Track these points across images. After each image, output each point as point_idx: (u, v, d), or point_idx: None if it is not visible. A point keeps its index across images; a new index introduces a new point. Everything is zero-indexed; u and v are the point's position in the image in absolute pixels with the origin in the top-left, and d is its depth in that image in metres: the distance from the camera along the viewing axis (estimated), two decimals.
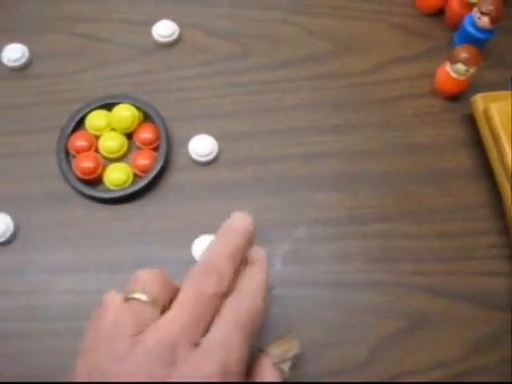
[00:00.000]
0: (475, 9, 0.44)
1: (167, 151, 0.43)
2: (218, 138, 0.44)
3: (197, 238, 0.41)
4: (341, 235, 0.42)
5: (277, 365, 0.36)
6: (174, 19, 0.48)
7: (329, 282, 0.41)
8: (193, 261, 0.41)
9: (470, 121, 0.45)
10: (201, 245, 0.41)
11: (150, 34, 0.48)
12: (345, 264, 0.41)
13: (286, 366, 0.37)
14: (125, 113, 0.44)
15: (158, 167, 0.43)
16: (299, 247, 0.41)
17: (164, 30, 0.47)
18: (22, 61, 0.47)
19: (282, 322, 0.39)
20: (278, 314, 0.39)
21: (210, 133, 0.44)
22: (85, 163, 0.43)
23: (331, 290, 0.40)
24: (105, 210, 0.43)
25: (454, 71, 0.44)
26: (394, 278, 0.41)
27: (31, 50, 0.48)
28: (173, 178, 0.43)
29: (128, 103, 0.44)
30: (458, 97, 0.46)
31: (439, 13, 0.49)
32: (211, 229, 0.41)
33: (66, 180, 0.43)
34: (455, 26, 0.47)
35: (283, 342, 0.38)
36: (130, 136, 0.44)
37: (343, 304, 0.40)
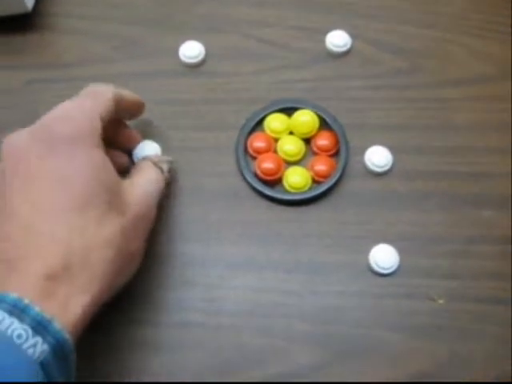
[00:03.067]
0: None
1: (346, 159, 0.45)
2: (390, 150, 0.46)
3: (374, 245, 0.43)
4: (502, 254, 0.43)
5: (156, 164, 0.41)
6: (344, 29, 0.50)
7: (488, 297, 0.42)
8: (368, 267, 0.42)
9: None
10: (378, 253, 0.42)
11: (322, 42, 0.49)
12: (503, 282, 0.42)
13: (164, 166, 0.41)
14: (306, 118, 0.45)
15: (338, 174, 0.44)
16: (461, 262, 0.43)
17: (338, 40, 0.49)
18: (198, 58, 0.48)
19: (451, 333, 0.41)
20: (445, 325, 0.41)
21: (381, 143, 0.46)
22: (267, 164, 0.44)
23: (490, 305, 0.42)
24: (281, 211, 0.44)
25: None
26: None
27: (207, 49, 0.49)
28: (348, 185, 0.45)
29: (308, 109, 0.46)
30: None
31: None
32: (384, 238, 0.43)
33: (245, 179, 0.44)
34: None
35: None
36: (306, 140, 0.46)
37: (502, 319, 0.41)
